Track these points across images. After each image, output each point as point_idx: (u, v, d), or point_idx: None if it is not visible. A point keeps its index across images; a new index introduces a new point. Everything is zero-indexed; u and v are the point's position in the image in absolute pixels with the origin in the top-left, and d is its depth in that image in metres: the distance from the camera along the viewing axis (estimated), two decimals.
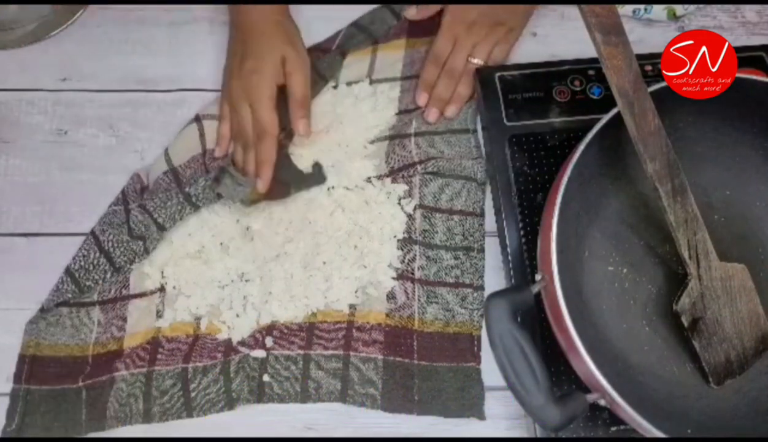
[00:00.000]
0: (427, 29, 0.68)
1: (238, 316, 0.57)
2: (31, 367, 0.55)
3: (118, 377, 0.54)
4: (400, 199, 0.61)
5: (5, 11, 0.69)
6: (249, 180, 0.58)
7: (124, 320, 0.57)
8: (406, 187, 0.61)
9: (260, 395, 0.54)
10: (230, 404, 0.54)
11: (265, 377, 0.55)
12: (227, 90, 0.62)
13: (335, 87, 0.66)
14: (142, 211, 0.58)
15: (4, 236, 0.61)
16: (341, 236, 0.59)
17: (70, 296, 0.57)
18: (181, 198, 0.58)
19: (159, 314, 0.57)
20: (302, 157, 0.62)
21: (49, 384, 0.55)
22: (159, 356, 0.56)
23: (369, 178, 0.62)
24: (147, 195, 0.60)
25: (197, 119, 0.64)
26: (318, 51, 0.67)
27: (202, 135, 0.63)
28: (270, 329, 0.56)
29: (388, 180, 0.61)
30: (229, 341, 0.56)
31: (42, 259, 0.59)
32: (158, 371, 0.55)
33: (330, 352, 0.56)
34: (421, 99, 0.64)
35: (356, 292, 0.58)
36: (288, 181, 0.60)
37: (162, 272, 0.58)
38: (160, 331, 0.57)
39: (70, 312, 0.57)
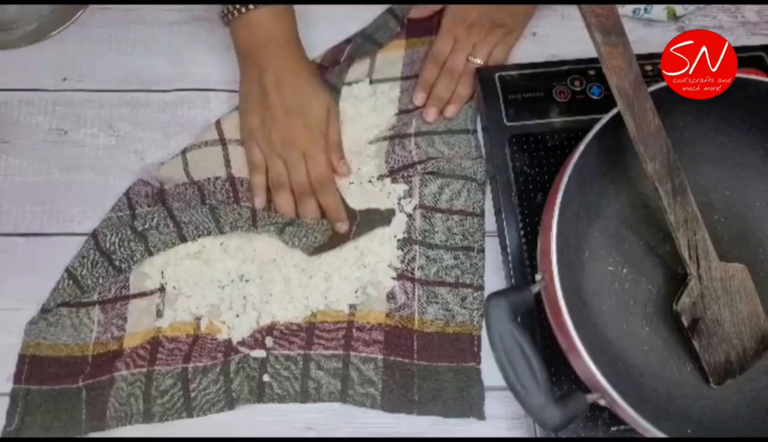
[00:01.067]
0: (427, 29, 0.68)
1: (238, 316, 0.57)
2: (31, 367, 0.55)
3: (118, 377, 0.54)
4: (400, 200, 0.61)
5: (5, 11, 0.69)
6: (320, 226, 0.58)
7: (124, 319, 0.57)
8: (406, 187, 0.61)
9: (260, 395, 0.54)
10: (230, 404, 0.54)
11: (265, 377, 0.55)
12: (262, 138, 0.60)
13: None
14: (168, 218, 0.58)
15: (4, 236, 0.61)
16: None
17: (70, 295, 0.57)
18: (210, 218, 0.57)
19: (159, 314, 0.57)
20: None
21: (48, 384, 0.55)
22: (159, 356, 0.56)
23: (369, 178, 0.62)
24: (171, 202, 0.60)
25: (222, 142, 0.62)
26: (330, 63, 0.67)
27: (228, 164, 0.61)
28: (270, 329, 0.56)
29: (388, 180, 0.61)
30: (229, 342, 0.56)
31: (42, 259, 0.59)
32: (158, 370, 0.55)
33: (330, 352, 0.56)
34: (419, 98, 0.64)
35: (356, 292, 0.58)
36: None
37: (162, 272, 0.58)
38: (160, 331, 0.57)
39: (70, 312, 0.57)
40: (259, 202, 0.60)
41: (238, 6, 0.57)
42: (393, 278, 0.58)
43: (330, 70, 0.66)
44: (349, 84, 0.66)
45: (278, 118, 0.59)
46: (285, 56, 0.59)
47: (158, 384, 0.54)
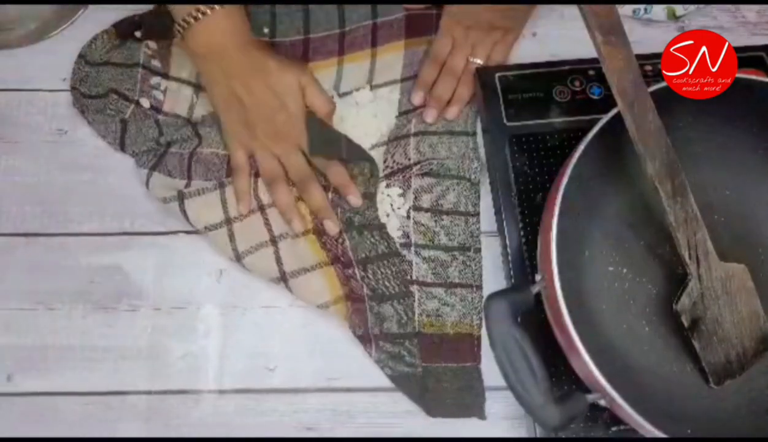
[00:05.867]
0: (426, 29, 0.67)
1: None
2: None
3: None
4: (396, 201, 0.60)
5: (5, 11, 0.69)
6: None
7: None
8: (401, 191, 0.61)
9: None
10: None
11: None
12: (249, 139, 0.59)
13: (340, 95, 0.65)
14: None
15: (4, 236, 0.61)
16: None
17: None
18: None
19: None
20: None
21: None
22: None
23: None
24: None
25: (220, 185, 0.60)
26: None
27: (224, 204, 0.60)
28: None
29: (385, 182, 0.61)
30: None
31: (42, 259, 0.59)
32: None
33: None
34: (417, 98, 0.64)
35: None
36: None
37: None
38: None
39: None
40: (242, 207, 0.59)
41: (193, 13, 0.55)
42: None
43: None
44: (350, 92, 0.65)
45: (261, 117, 0.58)
46: (247, 56, 0.58)
47: None
